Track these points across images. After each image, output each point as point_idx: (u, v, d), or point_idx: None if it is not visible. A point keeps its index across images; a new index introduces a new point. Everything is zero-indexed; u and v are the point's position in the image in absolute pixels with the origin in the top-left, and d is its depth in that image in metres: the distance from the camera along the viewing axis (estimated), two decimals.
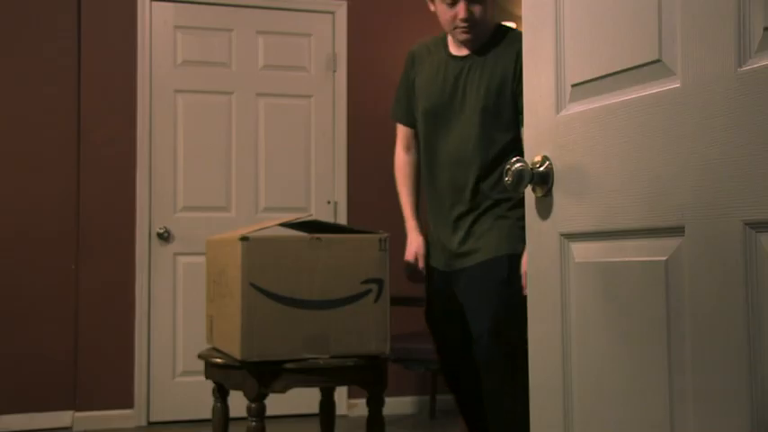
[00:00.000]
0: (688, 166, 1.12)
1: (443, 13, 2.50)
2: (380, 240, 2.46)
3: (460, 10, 2.44)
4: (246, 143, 4.33)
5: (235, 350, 2.39)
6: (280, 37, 4.40)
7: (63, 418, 3.99)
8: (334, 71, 4.47)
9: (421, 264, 2.63)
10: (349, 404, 4.34)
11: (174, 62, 4.24)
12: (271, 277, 2.37)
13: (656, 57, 1.18)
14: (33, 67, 4.05)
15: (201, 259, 3.87)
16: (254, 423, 2.41)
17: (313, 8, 4.45)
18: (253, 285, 2.35)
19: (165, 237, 4.16)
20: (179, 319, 4.18)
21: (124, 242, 4.12)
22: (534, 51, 1.45)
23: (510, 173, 1.36)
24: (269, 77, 4.38)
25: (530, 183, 1.39)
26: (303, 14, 4.43)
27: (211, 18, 4.30)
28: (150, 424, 4.10)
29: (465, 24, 2.45)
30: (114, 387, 4.05)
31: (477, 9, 2.45)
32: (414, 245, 2.65)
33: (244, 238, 2.36)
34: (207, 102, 4.30)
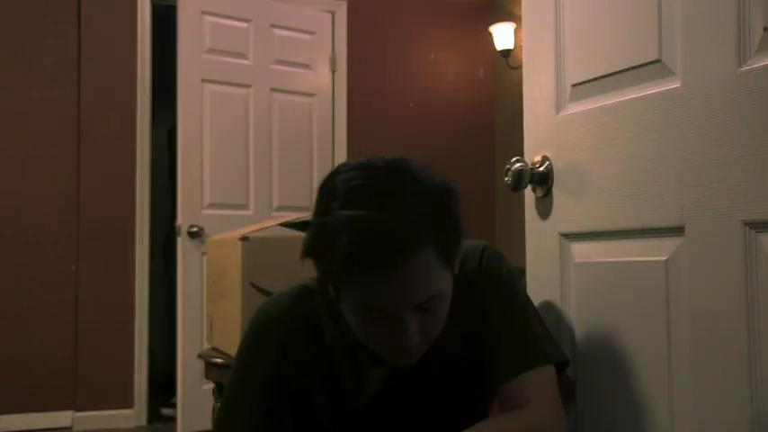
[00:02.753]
0: (688, 166, 1.12)
1: (365, 326, 1.11)
2: None
3: (401, 335, 1.07)
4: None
5: (235, 350, 2.39)
6: (290, 32, 4.28)
7: (63, 418, 3.99)
8: (334, 71, 4.46)
9: None
10: None
11: (201, 50, 4.21)
12: (271, 277, 2.37)
13: (656, 57, 1.18)
14: (33, 67, 4.04)
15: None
16: None
17: (313, 8, 4.44)
18: (253, 285, 2.35)
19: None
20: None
21: (124, 242, 4.12)
22: (534, 51, 1.44)
23: (510, 173, 1.36)
24: (280, 73, 4.28)
25: (530, 183, 1.39)
26: (307, 9, 4.40)
27: (233, 7, 4.21)
28: (150, 424, 4.10)
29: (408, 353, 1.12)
30: (114, 387, 4.05)
31: (432, 322, 1.11)
32: None
33: (244, 238, 2.36)
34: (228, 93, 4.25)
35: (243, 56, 4.15)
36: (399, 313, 1.05)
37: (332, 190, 1.06)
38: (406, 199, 1.03)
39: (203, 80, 4.02)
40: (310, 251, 1.08)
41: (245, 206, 4.18)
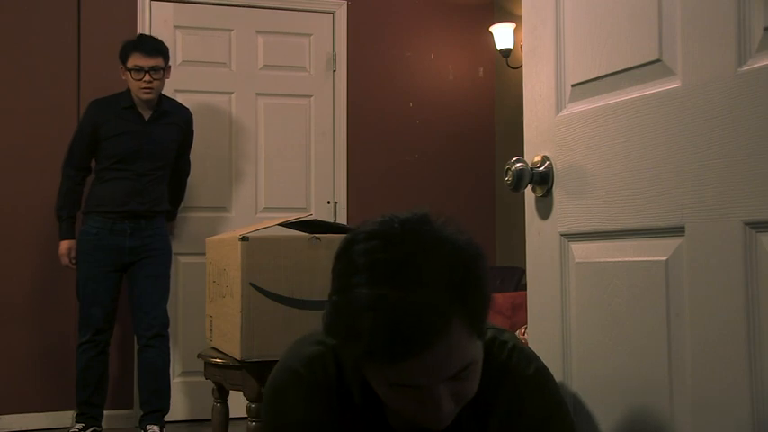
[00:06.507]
0: (688, 165, 1.12)
1: (394, 398, 1.05)
2: None
3: (434, 405, 1.01)
4: (247, 143, 4.33)
5: (235, 350, 2.39)
6: (280, 37, 4.41)
7: (63, 418, 3.99)
8: (334, 71, 4.47)
9: None
10: None
11: (174, 62, 4.23)
12: (271, 277, 2.37)
13: (656, 57, 1.18)
14: (33, 66, 4.04)
15: (201, 259, 3.87)
16: (253, 423, 2.41)
17: (313, 8, 4.45)
18: (253, 285, 2.35)
19: None
20: (179, 319, 4.17)
21: None
22: (534, 51, 1.44)
23: (510, 173, 1.36)
24: (269, 77, 4.38)
25: (530, 183, 1.39)
26: (303, 14, 4.43)
27: (211, 18, 4.29)
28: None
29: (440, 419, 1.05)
30: (114, 387, 4.04)
31: (464, 388, 1.04)
32: None
33: (243, 238, 2.36)
34: (208, 101, 4.29)
35: (224, 64, 4.33)
36: (432, 387, 0.99)
37: (350, 263, 0.99)
38: (431, 271, 0.95)
39: (176, 90, 4.12)
40: (332, 331, 1.01)
41: (225, 208, 4.25)
